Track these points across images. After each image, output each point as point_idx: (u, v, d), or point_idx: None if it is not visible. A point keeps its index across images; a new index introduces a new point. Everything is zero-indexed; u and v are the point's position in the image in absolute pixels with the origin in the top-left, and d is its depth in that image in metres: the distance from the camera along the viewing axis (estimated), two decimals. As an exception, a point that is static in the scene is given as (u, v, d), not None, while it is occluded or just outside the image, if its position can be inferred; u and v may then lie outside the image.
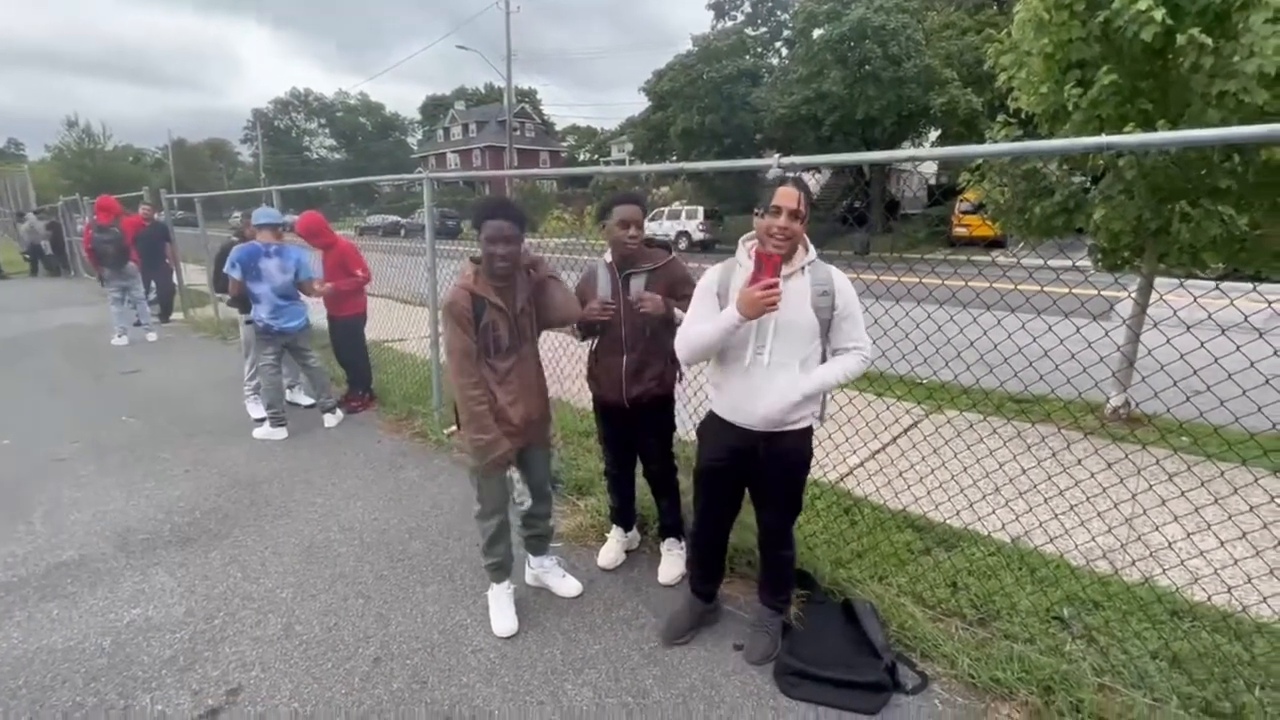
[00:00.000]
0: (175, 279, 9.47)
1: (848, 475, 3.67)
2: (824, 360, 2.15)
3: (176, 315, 9.55)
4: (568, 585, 2.80)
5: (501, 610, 2.58)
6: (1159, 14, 3.48)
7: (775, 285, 1.89)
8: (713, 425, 2.24)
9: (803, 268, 2.07)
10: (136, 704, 2.19)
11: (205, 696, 2.22)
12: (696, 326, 2.12)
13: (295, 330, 4.73)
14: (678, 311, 2.54)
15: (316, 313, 5.10)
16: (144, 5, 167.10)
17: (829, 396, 2.27)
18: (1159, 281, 4.43)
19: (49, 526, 3.41)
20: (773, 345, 2.06)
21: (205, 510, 3.59)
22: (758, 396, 2.08)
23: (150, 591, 2.83)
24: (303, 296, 4.80)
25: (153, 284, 9.13)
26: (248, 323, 4.79)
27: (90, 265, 8.35)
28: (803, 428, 2.16)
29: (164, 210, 9.29)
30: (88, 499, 3.73)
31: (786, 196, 1.94)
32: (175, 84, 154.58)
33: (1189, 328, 2.06)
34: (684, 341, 2.16)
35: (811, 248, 2.12)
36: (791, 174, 2.06)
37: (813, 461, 2.28)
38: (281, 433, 4.73)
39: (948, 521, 3.06)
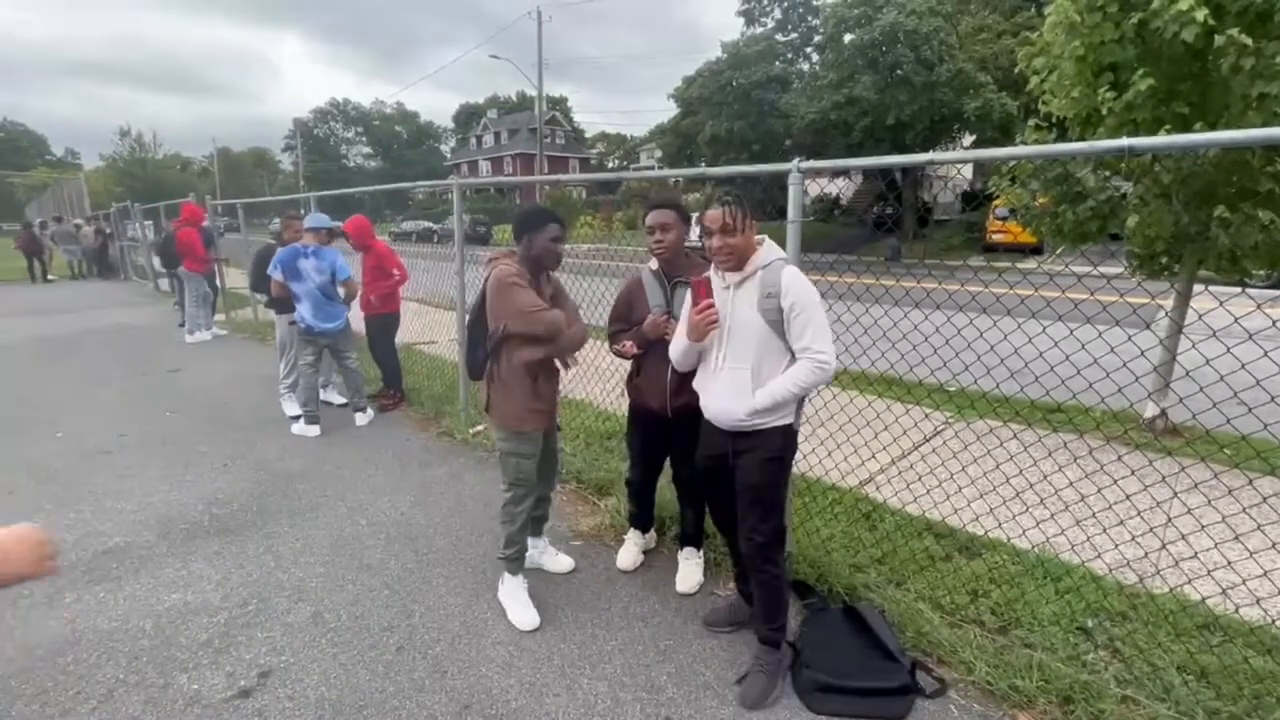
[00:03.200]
0: (218, 282, 9.85)
1: (868, 481, 3.65)
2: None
3: (218, 317, 9.91)
4: (561, 562, 2.99)
5: (521, 604, 2.64)
6: (1201, 14, 3.39)
7: (709, 307, 2.14)
8: (705, 427, 2.34)
9: (755, 272, 2.13)
10: (174, 683, 2.30)
11: (238, 678, 2.32)
12: (674, 344, 2.38)
13: (335, 331, 4.89)
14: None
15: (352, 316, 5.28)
16: (192, 18, 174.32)
17: (808, 399, 2.24)
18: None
19: (97, 514, 3.59)
20: (726, 349, 2.19)
21: (242, 502, 3.74)
22: (714, 396, 2.22)
23: (189, 578, 2.96)
24: (341, 296, 4.98)
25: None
26: (291, 324, 4.97)
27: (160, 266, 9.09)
28: (770, 428, 2.15)
29: (208, 216, 9.68)
30: (133, 489, 3.92)
31: (712, 218, 2.12)
32: (220, 93, 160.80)
33: (1214, 332, 2.02)
34: (672, 356, 2.41)
35: (769, 250, 2.17)
36: (723, 196, 2.10)
37: (829, 467, 2.26)
38: (315, 430, 4.90)
39: (968, 527, 3.02)
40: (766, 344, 2.12)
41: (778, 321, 2.09)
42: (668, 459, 2.87)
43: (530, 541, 2.92)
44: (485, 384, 2.65)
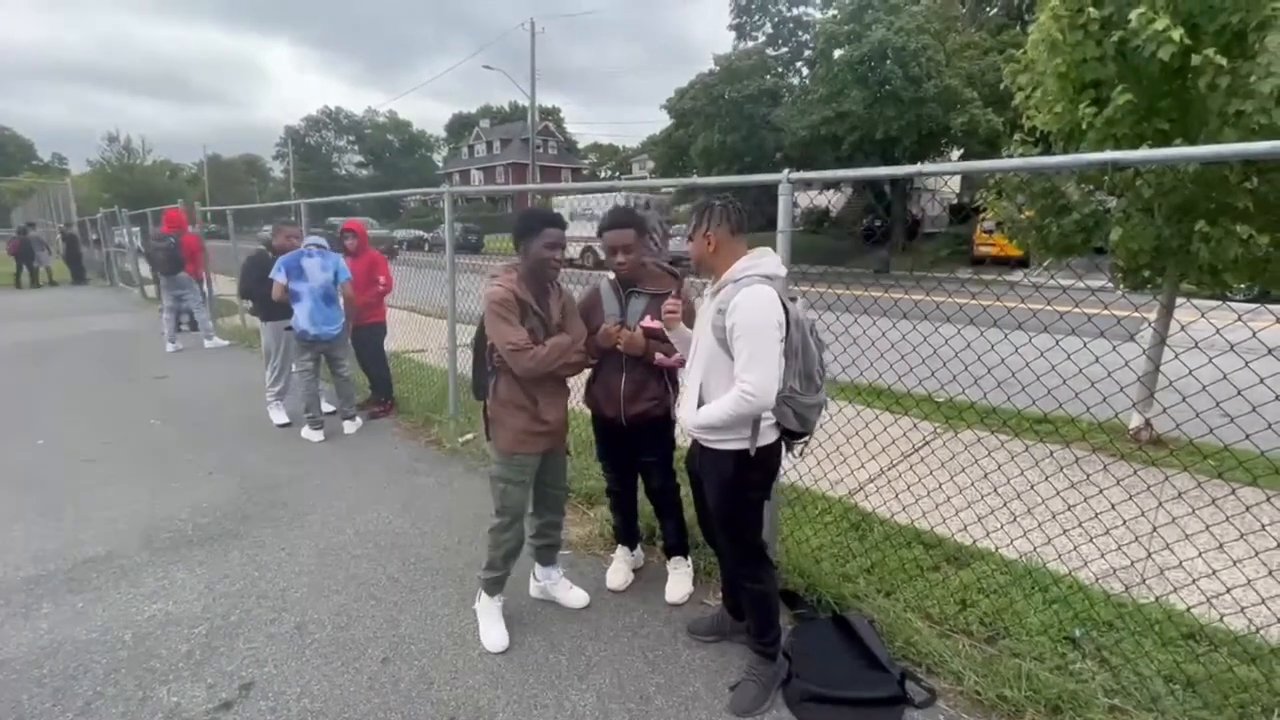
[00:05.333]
0: (206, 289, 9.77)
1: (857, 491, 3.65)
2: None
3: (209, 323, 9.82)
4: (575, 596, 2.80)
5: (494, 624, 2.57)
6: (1177, 34, 3.47)
7: (671, 302, 2.30)
8: None
9: (725, 285, 2.02)
10: (153, 695, 2.25)
11: (219, 690, 2.28)
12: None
13: (332, 337, 4.86)
14: (659, 356, 2.55)
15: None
16: (184, 25, 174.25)
17: (761, 426, 2.04)
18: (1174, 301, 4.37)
19: (78, 523, 3.53)
20: (692, 359, 2.18)
21: (226, 511, 3.69)
22: (682, 401, 2.22)
23: (171, 588, 2.92)
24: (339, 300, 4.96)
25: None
26: (286, 329, 4.95)
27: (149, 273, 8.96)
28: (722, 449, 2.08)
29: (197, 223, 9.63)
30: (116, 498, 3.86)
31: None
32: (211, 100, 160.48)
33: (1197, 343, 2.05)
34: None
35: (748, 265, 2.02)
36: (708, 200, 2.12)
37: (818, 476, 2.24)
38: (319, 435, 4.88)
39: (956, 537, 3.03)
40: (713, 361, 2.05)
41: (723, 340, 1.99)
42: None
43: (540, 572, 2.82)
44: (484, 407, 2.52)
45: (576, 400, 2.76)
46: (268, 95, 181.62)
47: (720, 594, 2.67)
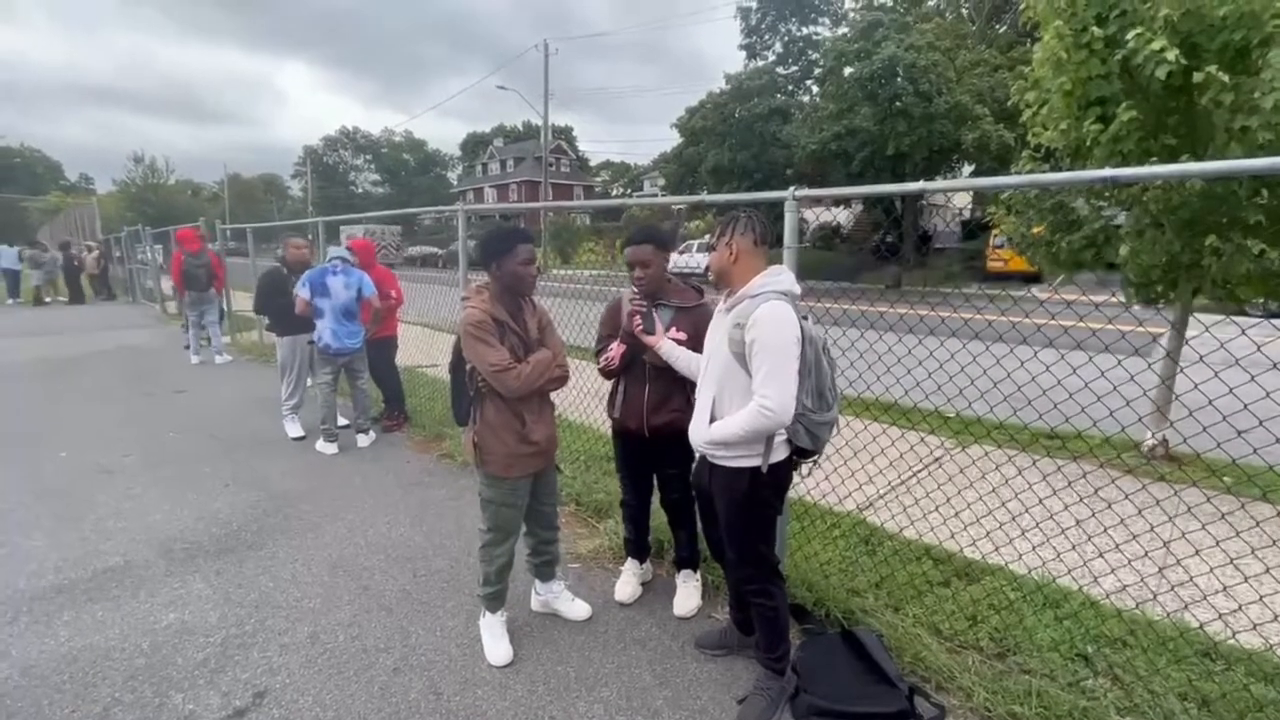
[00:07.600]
0: (225, 305, 9.98)
1: (866, 506, 3.65)
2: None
3: (224, 339, 10.00)
4: (578, 609, 2.81)
5: (498, 639, 2.58)
6: (1172, 54, 3.51)
7: (633, 315, 2.49)
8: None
9: (742, 300, 2.04)
10: (170, 702, 2.29)
11: (234, 698, 2.32)
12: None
13: (352, 350, 4.96)
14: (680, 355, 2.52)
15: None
16: (208, 48, 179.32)
17: (774, 442, 2.07)
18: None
19: (98, 533, 3.60)
20: (704, 374, 2.20)
21: (242, 523, 3.75)
22: (693, 417, 2.24)
23: (187, 597, 2.97)
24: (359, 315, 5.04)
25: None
26: (310, 343, 5.05)
27: (176, 289, 9.13)
28: (734, 466, 2.10)
29: (217, 240, 9.85)
30: (134, 509, 3.93)
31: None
32: (231, 120, 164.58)
33: (1201, 357, 2.05)
34: None
35: (765, 281, 2.03)
36: (735, 212, 2.16)
37: (827, 491, 2.26)
38: (333, 448, 4.95)
39: (965, 552, 3.02)
40: (728, 375, 2.06)
41: (741, 355, 1.99)
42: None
43: (541, 586, 2.83)
44: (470, 431, 2.51)
45: (580, 413, 2.79)
46: (286, 116, 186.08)
47: (728, 608, 2.67)
